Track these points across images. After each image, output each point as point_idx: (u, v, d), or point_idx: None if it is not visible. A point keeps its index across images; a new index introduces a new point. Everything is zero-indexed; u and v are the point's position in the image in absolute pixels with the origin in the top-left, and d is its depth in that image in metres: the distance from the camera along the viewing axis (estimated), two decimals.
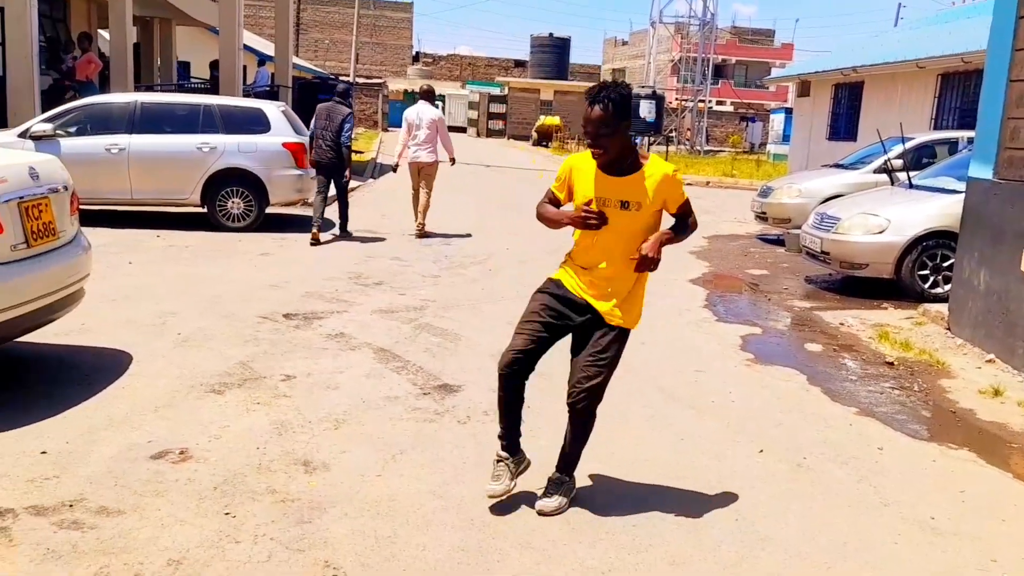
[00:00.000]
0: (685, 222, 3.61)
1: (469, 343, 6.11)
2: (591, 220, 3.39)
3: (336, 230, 10.72)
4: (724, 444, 4.47)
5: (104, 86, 14.63)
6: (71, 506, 3.36)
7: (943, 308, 7.40)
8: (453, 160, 11.56)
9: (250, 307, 6.73)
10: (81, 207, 5.39)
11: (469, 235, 11.49)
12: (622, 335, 3.56)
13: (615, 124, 3.31)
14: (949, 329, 7.08)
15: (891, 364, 6.20)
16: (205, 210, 10.55)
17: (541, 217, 3.70)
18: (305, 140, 10.85)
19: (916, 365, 6.22)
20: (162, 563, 2.99)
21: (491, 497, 3.61)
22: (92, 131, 10.23)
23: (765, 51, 61.39)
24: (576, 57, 67.60)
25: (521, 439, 3.71)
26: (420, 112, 11.00)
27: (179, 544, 3.12)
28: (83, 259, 5.11)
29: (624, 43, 67.55)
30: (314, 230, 10.15)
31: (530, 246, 10.88)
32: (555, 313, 3.56)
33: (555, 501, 3.61)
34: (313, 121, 10.42)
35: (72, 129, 10.16)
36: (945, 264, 8.18)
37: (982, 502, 3.96)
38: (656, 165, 3.48)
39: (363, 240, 10.59)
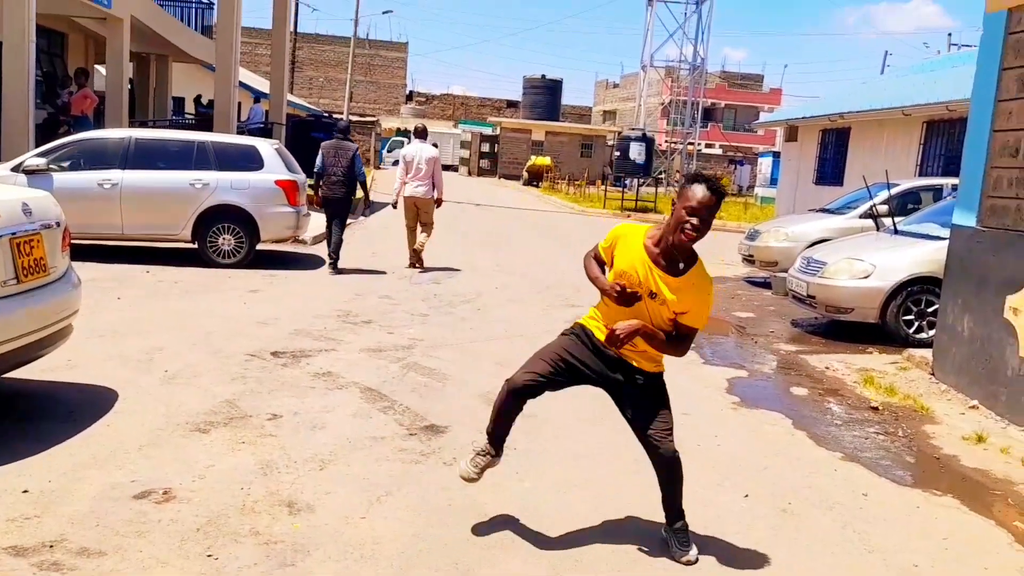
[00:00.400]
0: (680, 338, 3.49)
1: (457, 383, 6.12)
2: (621, 300, 3.38)
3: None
4: (709, 488, 4.47)
5: (99, 121, 14.72)
6: (51, 547, 3.34)
7: (927, 353, 7.46)
8: (440, 201, 11.68)
9: (238, 344, 6.73)
10: (72, 242, 5.40)
11: (459, 270, 11.54)
12: (660, 379, 3.64)
13: (713, 213, 3.34)
14: (933, 374, 7.13)
15: (876, 409, 6.24)
16: (195, 246, 10.57)
17: (585, 268, 3.72)
18: (298, 178, 10.99)
19: (900, 410, 6.25)
20: None
21: (463, 478, 3.77)
22: (85, 166, 10.26)
23: (754, 95, 62.23)
24: (568, 99, 68.34)
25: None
26: (418, 150, 11.41)
27: None
28: (72, 295, 5.11)
29: (615, 85, 68.37)
30: (331, 259, 10.79)
31: (520, 285, 10.93)
32: (580, 356, 3.61)
33: (695, 549, 3.65)
34: (320, 159, 10.77)
35: (65, 164, 10.20)
36: (929, 310, 8.26)
37: (965, 549, 3.97)
38: (704, 275, 3.44)
39: (357, 272, 10.66)
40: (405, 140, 12.11)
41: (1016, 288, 6.05)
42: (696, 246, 3.43)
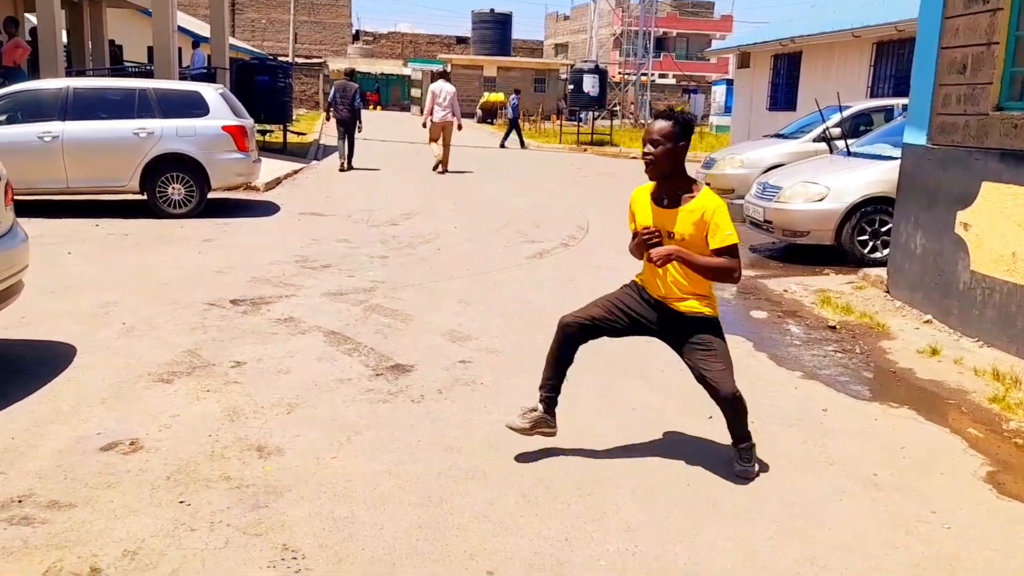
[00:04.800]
0: (720, 262, 3.61)
1: (420, 323, 6.11)
2: (651, 240, 3.58)
3: (344, 163, 16.58)
4: (674, 413, 4.55)
5: (34, 72, 14.17)
6: (20, 502, 3.30)
7: (882, 272, 7.61)
8: (460, 126, 17.19)
9: (195, 294, 6.64)
10: (15, 198, 5.24)
11: (417, 212, 11.46)
12: (714, 324, 3.77)
13: (671, 139, 3.55)
14: (888, 292, 7.29)
15: (833, 328, 6.37)
16: (145, 197, 10.34)
17: (633, 254, 3.91)
18: (246, 122, 10.84)
19: (857, 328, 6.39)
20: (117, 554, 2.96)
21: (508, 425, 3.88)
22: (23, 119, 9.91)
23: (705, 23, 61.76)
24: (518, 32, 67.41)
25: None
26: (442, 87, 16.53)
27: (134, 534, 3.09)
28: (20, 250, 4.98)
29: (566, 18, 67.37)
30: (342, 162, 16.52)
31: (477, 224, 10.88)
32: (634, 307, 3.81)
33: (754, 465, 3.85)
34: (333, 92, 16.80)
35: (2, 117, 9.84)
36: (883, 229, 8.40)
37: (921, 457, 4.11)
38: (704, 199, 3.63)
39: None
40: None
41: (966, 203, 6.16)
42: None
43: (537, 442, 3.95)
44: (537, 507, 3.45)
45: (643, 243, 3.61)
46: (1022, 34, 5.85)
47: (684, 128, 3.58)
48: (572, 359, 3.87)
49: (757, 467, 3.86)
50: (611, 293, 3.90)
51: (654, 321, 3.80)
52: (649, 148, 3.56)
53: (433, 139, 16.83)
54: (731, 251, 3.60)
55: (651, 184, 3.75)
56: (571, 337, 3.80)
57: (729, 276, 3.66)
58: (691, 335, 3.72)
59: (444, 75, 17.48)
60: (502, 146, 25.16)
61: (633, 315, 3.80)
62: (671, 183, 3.65)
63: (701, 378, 3.71)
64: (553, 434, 3.91)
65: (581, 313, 3.81)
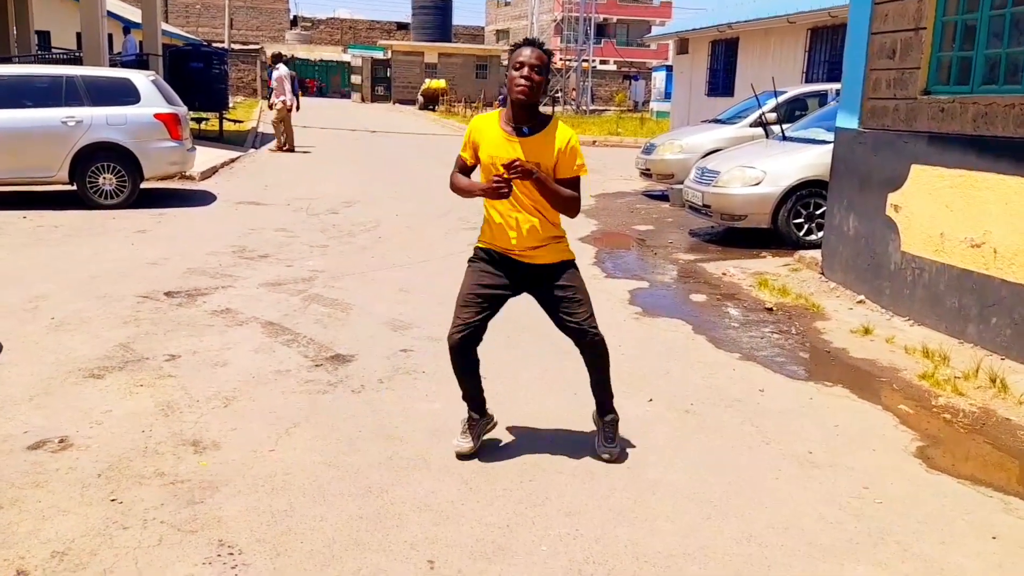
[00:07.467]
0: (572, 193, 3.55)
1: (361, 312, 6.05)
2: (502, 190, 3.42)
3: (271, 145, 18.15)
4: (616, 396, 4.56)
5: None
6: None
7: (817, 254, 7.76)
8: (284, 104, 17.65)
9: (128, 287, 6.47)
10: None
11: (357, 200, 11.32)
12: (574, 267, 3.72)
13: (547, 69, 3.49)
14: (823, 274, 7.44)
15: (770, 310, 6.48)
16: (75, 188, 10.03)
17: (454, 187, 3.74)
18: (179, 110, 10.60)
19: (793, 309, 6.51)
20: (45, 556, 2.87)
21: (458, 454, 3.75)
22: None
23: (645, 9, 62.22)
24: (459, 19, 66.98)
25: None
26: (286, 71, 17.90)
27: (63, 535, 3.00)
28: None
29: (507, 3, 67.22)
30: (282, 146, 17.78)
31: (418, 211, 10.81)
32: (493, 283, 3.65)
33: (618, 448, 3.84)
34: (293, 84, 17.93)
35: None
36: (818, 212, 8.56)
37: (854, 434, 4.20)
38: (563, 128, 3.56)
39: (251, 205, 10.34)
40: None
41: (897, 186, 6.30)
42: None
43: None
44: (478, 494, 3.44)
45: (496, 192, 3.41)
46: (949, 19, 6.00)
47: (549, 59, 3.53)
48: (477, 361, 3.75)
49: (621, 447, 3.85)
50: (466, 284, 3.68)
51: (513, 284, 3.68)
52: (529, 72, 3.41)
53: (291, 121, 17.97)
54: (578, 183, 3.58)
55: (494, 114, 3.62)
56: (464, 350, 3.66)
57: (576, 207, 3.61)
58: (553, 283, 3.65)
59: (276, 58, 18.95)
60: None
61: (497, 292, 3.65)
62: (532, 113, 3.52)
63: (564, 326, 3.69)
64: (495, 423, 3.96)
65: (457, 325, 3.63)
